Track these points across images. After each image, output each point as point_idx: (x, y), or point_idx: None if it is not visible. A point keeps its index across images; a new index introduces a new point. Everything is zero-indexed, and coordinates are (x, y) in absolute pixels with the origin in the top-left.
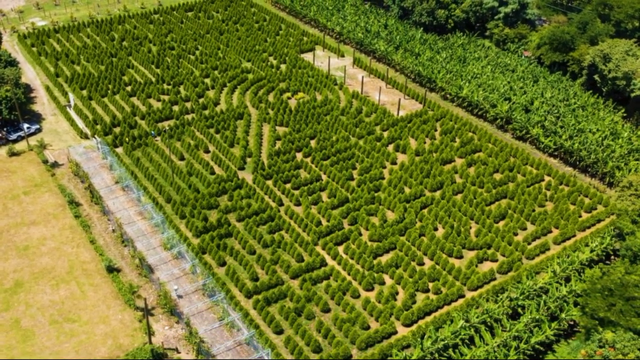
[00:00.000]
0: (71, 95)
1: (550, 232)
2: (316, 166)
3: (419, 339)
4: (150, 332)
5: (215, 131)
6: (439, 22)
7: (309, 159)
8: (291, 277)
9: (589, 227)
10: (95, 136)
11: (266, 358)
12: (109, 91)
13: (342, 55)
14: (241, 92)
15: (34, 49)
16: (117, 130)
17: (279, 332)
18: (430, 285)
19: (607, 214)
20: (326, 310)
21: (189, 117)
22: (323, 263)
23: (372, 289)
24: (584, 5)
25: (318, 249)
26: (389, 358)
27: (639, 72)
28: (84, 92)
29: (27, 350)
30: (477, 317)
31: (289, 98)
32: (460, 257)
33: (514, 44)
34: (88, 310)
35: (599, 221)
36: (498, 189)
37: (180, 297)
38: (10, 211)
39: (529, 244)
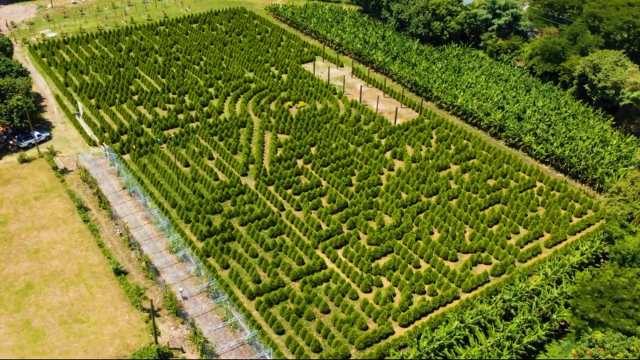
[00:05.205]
0: (80, 104)
1: (542, 236)
2: (316, 172)
3: (415, 339)
4: (156, 333)
5: (219, 139)
6: (434, 33)
7: (309, 166)
8: (292, 279)
9: (579, 231)
10: (103, 143)
11: (268, 358)
12: (116, 100)
13: (342, 66)
14: (244, 101)
15: (44, 59)
16: (124, 137)
17: (281, 332)
18: (427, 287)
19: (597, 218)
20: (326, 311)
21: (194, 125)
22: (323, 266)
23: (370, 291)
24: (574, 17)
25: (318, 252)
26: (386, 358)
27: (628, 81)
28: (93, 101)
29: (37, 350)
30: (471, 318)
31: (290, 107)
32: (455, 260)
33: (507, 54)
34: (96, 312)
35: (589, 225)
36: (492, 194)
37: (185, 298)
38: (21, 216)
39: (522, 247)
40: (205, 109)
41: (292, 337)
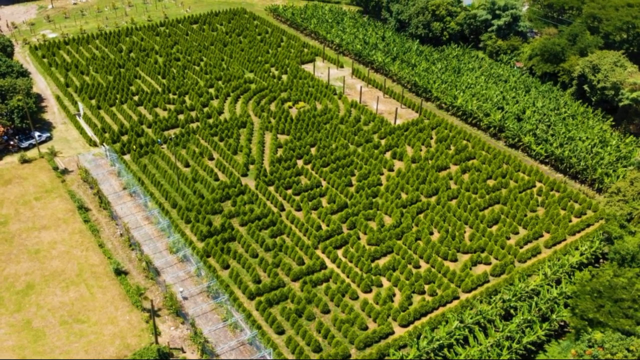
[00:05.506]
0: (80, 105)
1: (542, 236)
2: (316, 173)
3: (415, 339)
4: (156, 333)
5: (219, 139)
6: (434, 34)
7: (309, 166)
8: (292, 279)
9: (578, 232)
10: (104, 144)
11: (268, 358)
12: (117, 101)
13: (342, 66)
14: (244, 101)
15: (45, 60)
16: (124, 138)
17: (281, 332)
18: (426, 287)
19: (596, 218)
20: (326, 311)
21: (194, 125)
22: (323, 266)
23: (370, 291)
24: (574, 18)
25: (318, 252)
26: (386, 357)
27: (627, 82)
28: (93, 102)
29: (38, 350)
30: (471, 318)
31: (290, 107)
32: (455, 260)
33: (506, 55)
34: (97, 312)
35: (588, 226)
36: (491, 194)
37: (185, 298)
38: (22, 216)
39: (521, 247)
40: (205, 109)
41: (292, 337)
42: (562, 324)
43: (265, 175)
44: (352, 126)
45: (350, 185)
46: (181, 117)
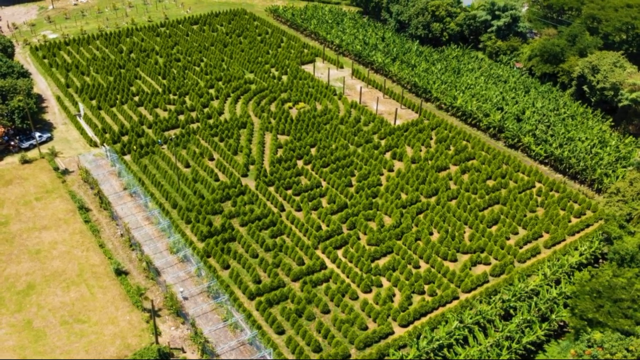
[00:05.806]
0: (81, 105)
1: (541, 236)
2: (316, 173)
3: (415, 339)
4: (157, 333)
5: (220, 140)
6: (434, 35)
7: (309, 166)
8: (292, 279)
9: (578, 232)
10: (104, 144)
11: (268, 357)
12: (117, 101)
13: (341, 67)
14: (244, 102)
15: (46, 60)
16: (125, 138)
17: (281, 332)
18: (426, 287)
19: (596, 219)
20: (326, 311)
21: (194, 126)
22: (323, 266)
23: (370, 291)
24: (573, 18)
25: (318, 252)
26: (386, 357)
27: (626, 82)
28: (94, 102)
29: (38, 350)
30: (470, 318)
31: (290, 108)
32: (455, 260)
33: (506, 55)
34: (97, 312)
35: (587, 226)
36: (491, 195)
37: (185, 298)
38: (22, 216)
39: (521, 247)
40: (205, 110)
41: (292, 337)
42: (562, 324)
43: (266, 175)
44: (352, 127)
45: (350, 185)
46: (181, 117)
